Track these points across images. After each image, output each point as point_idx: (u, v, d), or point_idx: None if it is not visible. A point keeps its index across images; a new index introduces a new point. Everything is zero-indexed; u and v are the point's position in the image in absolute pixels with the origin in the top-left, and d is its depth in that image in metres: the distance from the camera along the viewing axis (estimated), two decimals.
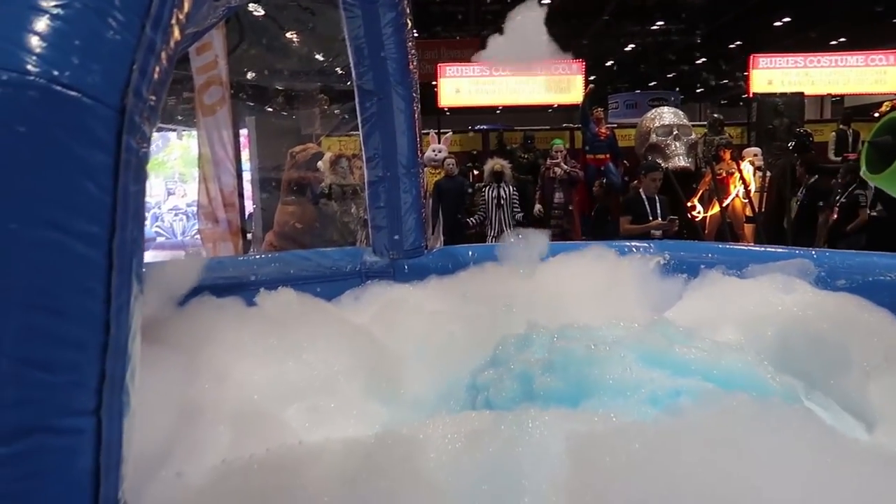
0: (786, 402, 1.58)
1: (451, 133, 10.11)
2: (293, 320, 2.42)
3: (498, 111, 16.19)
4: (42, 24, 0.87)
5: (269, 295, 2.71)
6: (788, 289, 2.63)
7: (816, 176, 6.46)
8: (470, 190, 8.13)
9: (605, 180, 8.28)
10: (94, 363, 0.88)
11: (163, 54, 1.03)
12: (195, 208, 6.85)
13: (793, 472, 1.17)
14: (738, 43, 19.60)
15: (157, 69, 1.01)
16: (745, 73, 12.91)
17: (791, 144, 7.03)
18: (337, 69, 7.01)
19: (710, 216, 7.53)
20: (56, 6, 0.89)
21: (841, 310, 2.45)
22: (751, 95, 12.12)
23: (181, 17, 1.10)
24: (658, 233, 5.20)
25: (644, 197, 5.45)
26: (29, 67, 0.84)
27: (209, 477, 1.40)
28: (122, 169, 0.91)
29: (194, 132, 6.58)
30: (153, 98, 1.00)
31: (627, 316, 2.48)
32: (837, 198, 5.89)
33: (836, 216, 5.92)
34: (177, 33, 1.09)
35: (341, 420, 1.96)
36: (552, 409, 1.65)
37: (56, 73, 0.85)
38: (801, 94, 11.20)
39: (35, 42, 0.86)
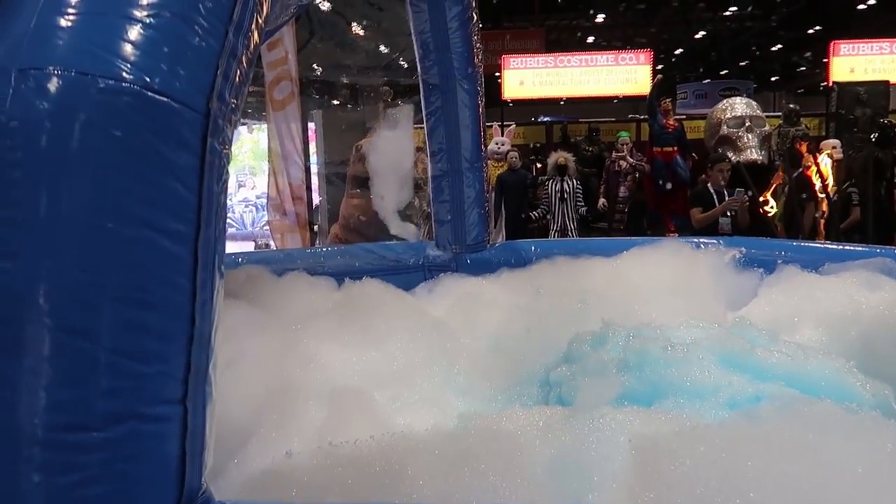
0: (874, 411, 1.52)
1: (514, 125, 10.06)
2: (377, 310, 2.50)
3: (562, 102, 15.98)
4: (134, 32, 0.92)
5: (355, 284, 2.86)
6: (873, 286, 2.52)
7: (800, 169, 6.55)
8: (531, 182, 8.07)
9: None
10: (181, 354, 0.93)
11: (244, 58, 1.07)
12: (265, 200, 7.06)
13: (872, 486, 1.13)
14: (818, 28, 18.70)
15: (239, 73, 1.05)
16: (825, 61, 12.33)
17: (874, 136, 6.69)
18: (402, 63, 7.08)
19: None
20: (147, 15, 0.94)
21: None
22: (830, 84, 11.57)
23: (261, 21, 1.14)
24: (728, 228, 5.03)
25: (712, 190, 5.29)
26: (124, 75, 0.89)
27: (317, 458, 1.45)
28: (207, 170, 0.96)
29: (264, 126, 6.78)
30: (234, 101, 1.04)
31: (703, 313, 2.43)
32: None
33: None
34: (256, 37, 1.13)
35: (421, 410, 2.00)
36: (625, 407, 1.64)
37: (148, 79, 0.90)
38: (887, 82, 10.59)
39: (128, 50, 0.91)
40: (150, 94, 0.90)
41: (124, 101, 0.88)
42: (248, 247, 9.18)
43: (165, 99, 0.91)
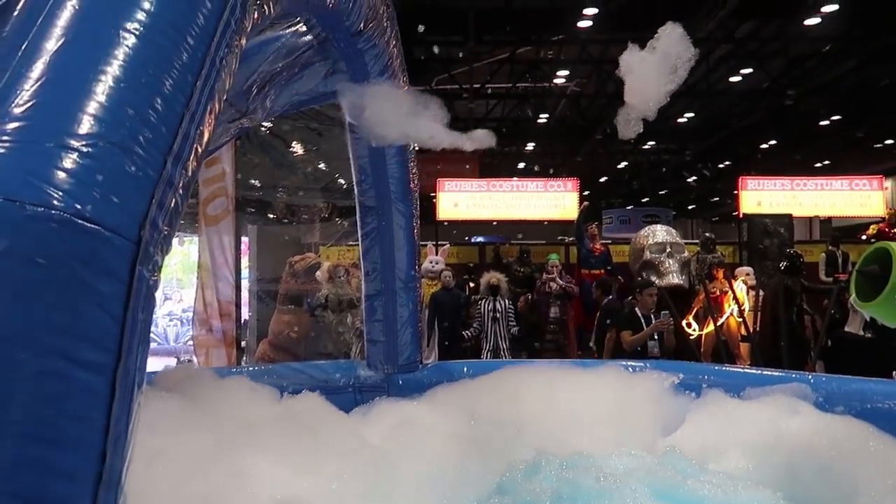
0: None
1: (448, 245, 10.29)
2: (315, 430, 2.43)
3: (494, 224, 16.55)
4: (69, 161, 0.93)
5: (296, 398, 2.85)
6: (792, 412, 2.61)
7: (610, 296, 6.94)
8: (464, 301, 8.16)
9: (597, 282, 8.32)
10: (86, 497, 0.86)
11: (180, 186, 1.08)
12: (190, 314, 6.85)
13: None
14: (727, 163, 20.38)
15: (174, 201, 1.06)
16: (735, 192, 13.34)
17: (783, 265, 7.16)
18: (341, 182, 7.25)
19: (706, 334, 7.53)
20: (83, 144, 0.95)
21: (847, 436, 2.43)
22: (741, 215, 12.46)
23: (200, 149, 1.17)
24: (656, 351, 5.18)
25: (640, 314, 5.47)
26: (54, 202, 0.88)
27: None
28: (133, 298, 0.94)
29: (195, 238, 6.70)
30: (167, 229, 1.04)
31: (637, 439, 2.45)
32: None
33: None
34: (194, 165, 1.15)
35: None
36: None
37: (79, 206, 0.90)
38: (790, 215, 11.52)
39: (61, 178, 0.91)
40: (80, 221, 0.89)
41: (51, 228, 0.87)
42: (170, 363, 8.77)
43: (96, 227, 0.90)
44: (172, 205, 1.06)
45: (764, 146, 18.70)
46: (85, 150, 0.94)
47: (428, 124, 2.69)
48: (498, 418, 2.68)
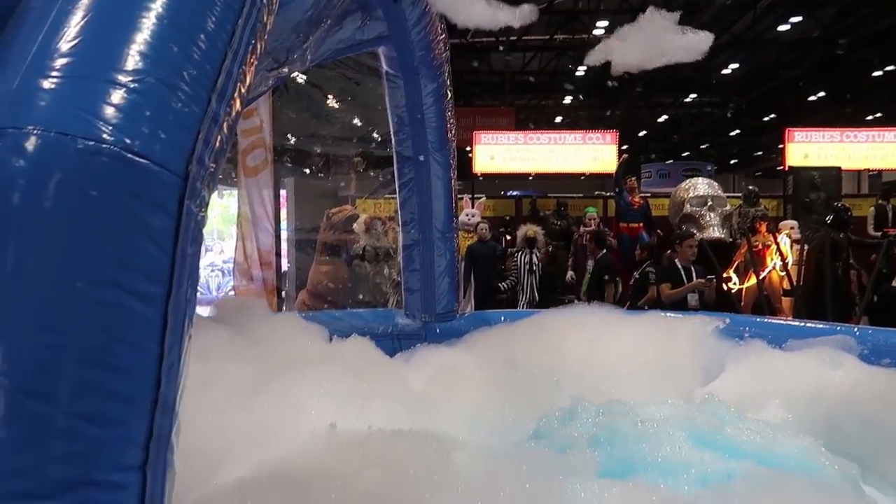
0: (842, 487, 1.53)
1: (484, 198, 10.23)
2: (363, 371, 2.48)
3: (531, 178, 16.37)
4: (117, 96, 0.93)
5: (346, 340, 2.92)
6: (835, 364, 2.57)
7: (605, 250, 7.07)
8: (500, 254, 8.15)
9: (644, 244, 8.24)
10: (143, 419, 0.90)
11: (224, 124, 1.09)
12: (231, 265, 6.99)
13: None
14: (773, 116, 19.69)
15: (219, 138, 1.07)
16: (781, 146, 12.92)
17: (829, 218, 6.95)
18: (376, 136, 7.22)
19: (747, 288, 7.40)
20: (130, 80, 0.95)
21: (891, 389, 2.39)
22: (786, 168, 12.09)
23: (243, 89, 1.17)
24: (695, 303, 5.12)
25: (680, 266, 5.40)
26: (104, 136, 0.90)
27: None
28: (182, 232, 0.96)
29: (234, 191, 6.78)
30: (213, 165, 1.05)
31: (676, 387, 2.45)
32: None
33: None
34: (238, 105, 1.16)
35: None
36: (601, 479, 1.62)
37: (128, 141, 0.91)
38: (839, 168, 11.13)
39: (110, 113, 0.92)
40: (129, 155, 0.90)
41: (103, 162, 0.89)
42: None
43: (145, 161, 0.91)
44: (217, 143, 1.07)
45: (812, 98, 17.98)
46: (132, 85, 0.95)
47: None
48: (536, 365, 2.69)
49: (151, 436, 0.91)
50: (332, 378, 2.34)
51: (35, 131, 0.86)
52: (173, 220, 0.94)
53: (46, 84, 0.91)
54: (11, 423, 0.80)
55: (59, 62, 0.94)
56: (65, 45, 0.95)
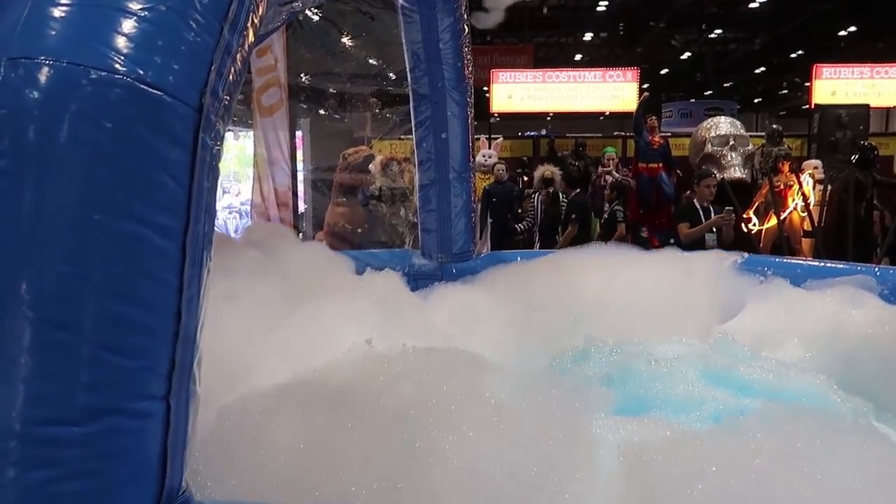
0: (854, 423, 1.54)
1: (501, 139, 10.10)
2: (395, 303, 2.48)
3: (549, 117, 16.11)
4: (128, 25, 0.91)
5: (377, 273, 2.97)
6: (856, 303, 2.55)
7: (577, 190, 7.08)
8: (517, 195, 8.10)
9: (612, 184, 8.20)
10: (165, 351, 0.92)
11: (238, 56, 1.07)
12: (248, 207, 7.01)
13: (859, 495, 1.14)
14: (800, 52, 19.05)
15: (233, 70, 1.05)
16: (807, 84, 12.55)
17: (854, 158, 6.80)
18: (390, 74, 7.10)
19: (766, 229, 7.32)
20: (141, 9, 0.93)
21: None
22: (812, 107, 11.76)
23: (256, 20, 1.14)
24: (712, 243, 5.08)
25: (698, 206, 5.34)
26: (116, 66, 0.88)
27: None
28: (198, 165, 0.95)
29: (250, 133, 6.74)
30: (227, 98, 1.04)
31: (693, 325, 2.45)
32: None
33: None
34: (251, 36, 1.13)
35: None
36: (615, 416, 1.65)
37: (141, 72, 0.89)
38: (867, 105, 10.81)
39: (122, 42, 0.90)
40: (142, 86, 0.89)
41: (116, 93, 0.87)
42: None
43: (158, 92, 0.90)
44: (231, 75, 1.05)
45: (842, 33, 17.33)
46: (143, 14, 0.93)
47: None
48: (552, 304, 2.70)
49: (174, 367, 0.93)
50: (364, 305, 2.36)
51: (47, 61, 0.85)
52: (189, 154, 0.94)
53: (57, 13, 0.89)
54: (39, 353, 0.82)
55: None
56: None
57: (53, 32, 0.88)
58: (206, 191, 0.98)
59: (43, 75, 0.86)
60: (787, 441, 1.29)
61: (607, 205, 7.81)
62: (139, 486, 0.90)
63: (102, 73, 0.87)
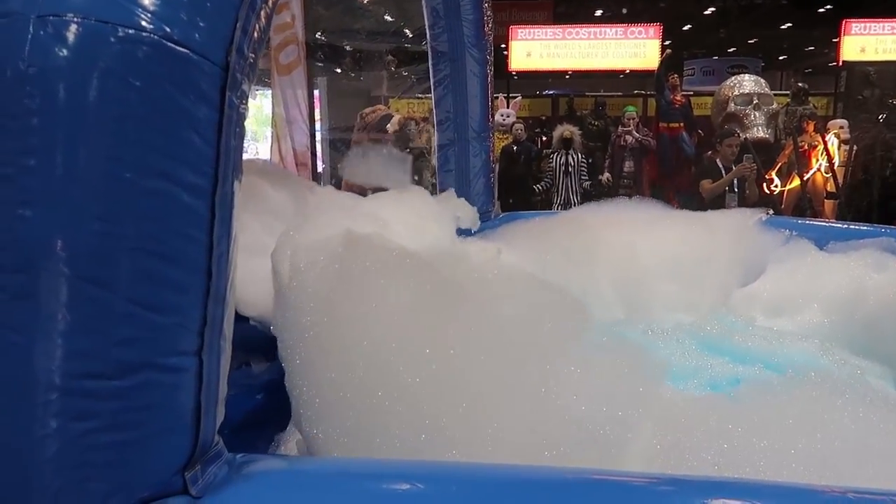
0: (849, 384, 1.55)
1: (520, 97, 9.97)
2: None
3: (568, 76, 15.82)
4: None
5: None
6: (879, 266, 2.52)
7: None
8: (535, 155, 8.03)
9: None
10: (197, 307, 0.94)
11: (262, 13, 1.06)
12: None
13: (873, 457, 1.15)
14: (828, 7, 18.43)
15: (257, 27, 1.04)
16: (835, 40, 12.17)
17: (882, 117, 6.64)
18: (408, 31, 7.00)
19: (789, 190, 7.22)
20: None
21: None
22: (840, 64, 11.45)
23: None
24: (734, 204, 5.02)
25: (720, 165, 5.27)
26: (143, 24, 0.88)
27: None
28: (225, 124, 0.95)
29: (268, 92, 6.71)
30: (252, 56, 1.03)
31: (713, 289, 2.44)
32: None
33: None
34: None
35: None
36: None
37: (167, 29, 0.89)
38: None
39: (148, 0, 0.89)
40: (169, 44, 0.89)
41: (143, 51, 0.87)
42: None
43: (185, 50, 0.90)
44: (256, 32, 1.04)
45: None
46: None
47: None
48: (568, 262, 2.68)
49: (206, 323, 0.95)
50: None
51: (75, 19, 0.85)
52: (216, 112, 0.94)
53: None
54: (76, 308, 0.84)
55: None
56: None
57: None
58: (234, 150, 0.99)
59: (71, 33, 0.85)
60: (808, 405, 1.30)
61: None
62: (174, 438, 0.92)
63: (130, 31, 0.87)
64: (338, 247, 1.54)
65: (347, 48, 8.58)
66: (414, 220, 2.16)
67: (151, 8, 0.89)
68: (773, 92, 8.71)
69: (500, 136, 8.19)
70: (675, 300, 2.59)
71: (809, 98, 8.70)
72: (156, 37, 0.88)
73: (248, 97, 1.04)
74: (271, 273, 1.63)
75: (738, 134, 5.75)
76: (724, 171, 5.21)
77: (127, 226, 0.86)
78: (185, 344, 0.93)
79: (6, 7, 0.88)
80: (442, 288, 1.59)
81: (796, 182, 6.99)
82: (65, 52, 0.85)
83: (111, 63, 0.86)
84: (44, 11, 0.86)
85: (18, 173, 0.84)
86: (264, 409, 2.21)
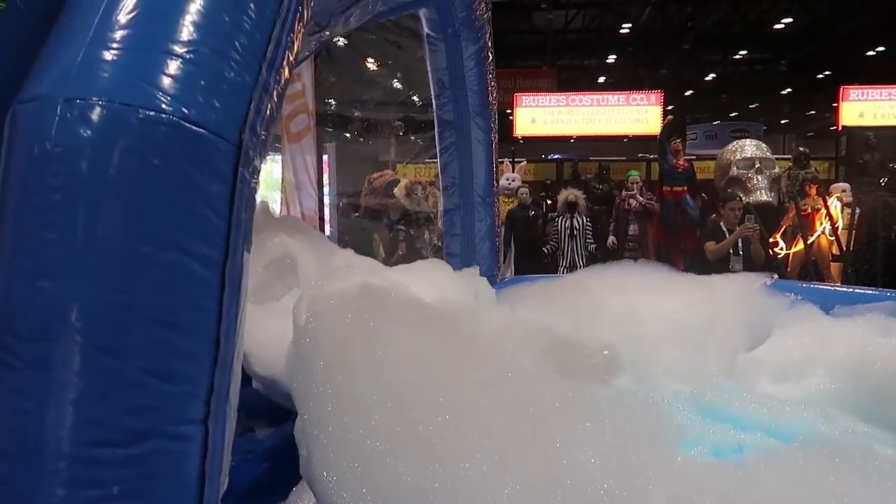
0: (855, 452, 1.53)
1: (525, 162, 10.15)
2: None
3: (572, 140, 16.13)
4: (173, 66, 0.97)
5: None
6: (885, 331, 2.51)
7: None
8: (541, 220, 8.12)
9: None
10: (205, 376, 0.96)
11: (274, 93, 1.12)
12: None
13: None
14: (827, 73, 18.89)
15: (270, 106, 1.10)
16: (835, 105, 12.42)
17: (883, 180, 6.73)
18: (416, 100, 7.21)
19: (794, 253, 7.25)
20: (186, 51, 0.99)
21: None
22: (840, 128, 11.65)
23: (291, 57, 1.19)
24: (738, 267, 5.04)
25: (724, 228, 5.32)
26: (163, 106, 0.93)
27: None
28: (237, 198, 1.00)
29: (277, 157, 6.88)
30: (264, 133, 1.09)
31: (718, 354, 2.44)
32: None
33: None
34: (287, 73, 1.18)
35: None
36: None
37: (185, 111, 0.95)
38: None
39: (167, 83, 0.95)
40: (187, 124, 0.94)
41: (162, 131, 0.93)
42: None
43: (201, 130, 0.95)
44: (268, 111, 1.10)
45: (871, 53, 17.16)
46: (187, 56, 0.98)
47: None
48: (572, 326, 2.68)
49: (212, 391, 0.97)
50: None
51: (100, 102, 0.90)
52: (229, 187, 0.98)
53: (108, 56, 0.95)
54: (89, 377, 0.86)
55: (119, 34, 0.97)
56: (123, 18, 0.99)
57: (105, 74, 0.94)
58: (244, 222, 1.03)
59: (95, 115, 0.91)
60: (817, 473, 1.30)
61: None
62: None
63: (150, 113, 0.92)
64: (354, 296, 1.57)
65: (357, 115, 8.81)
66: (432, 288, 2.19)
67: (171, 91, 0.95)
68: (776, 156, 8.84)
69: (506, 200, 8.30)
70: (679, 365, 2.57)
71: (811, 162, 8.83)
72: (174, 118, 0.93)
73: (259, 172, 1.09)
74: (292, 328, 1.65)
75: (741, 197, 5.82)
76: (727, 234, 5.26)
77: (141, 296, 0.90)
78: (193, 412, 0.94)
79: (36, 90, 0.94)
80: (458, 339, 1.61)
81: (801, 245, 7.02)
82: (89, 132, 0.90)
83: (132, 142, 0.91)
84: (71, 95, 0.92)
85: (40, 246, 0.88)
86: (268, 476, 2.19)
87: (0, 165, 0.93)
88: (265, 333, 1.62)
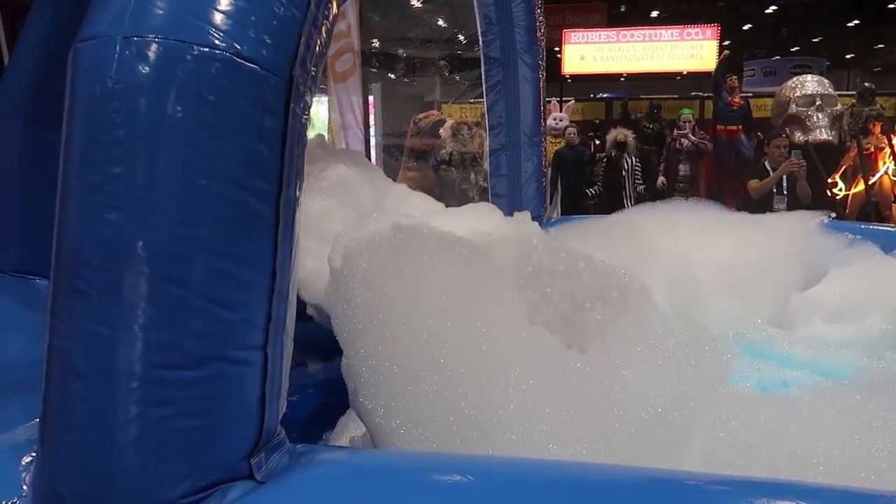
0: None
1: (573, 101, 9.92)
2: None
3: (622, 79, 15.64)
4: (224, 3, 0.98)
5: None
6: None
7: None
8: (589, 159, 7.98)
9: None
10: (262, 305, 1.00)
11: (323, 28, 1.12)
12: None
13: None
14: None
15: (319, 42, 1.11)
16: None
17: None
18: (461, 37, 7.07)
19: (853, 194, 6.97)
20: None
21: None
22: None
23: None
24: (782, 206, 4.88)
25: (769, 167, 5.15)
26: (216, 42, 0.95)
27: None
28: (289, 134, 1.02)
29: (323, 98, 6.88)
30: (314, 69, 1.10)
31: (772, 294, 2.41)
32: None
33: None
34: (335, 7, 1.18)
35: None
36: None
37: (238, 47, 0.96)
38: None
39: (220, 20, 0.97)
40: (239, 60, 0.96)
41: (216, 68, 0.95)
42: None
43: (253, 66, 0.97)
44: (318, 46, 1.11)
45: None
46: None
47: None
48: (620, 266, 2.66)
49: (270, 319, 1.02)
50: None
51: (156, 39, 0.93)
52: (281, 123, 1.01)
53: None
54: (155, 304, 0.91)
55: None
56: None
57: (160, 12, 0.96)
58: (297, 158, 1.05)
59: (152, 52, 0.93)
60: (868, 411, 1.30)
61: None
62: (241, 427, 0.99)
63: (204, 49, 0.94)
64: (386, 235, 1.61)
65: (402, 55, 8.70)
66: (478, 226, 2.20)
67: (223, 27, 0.96)
68: (839, 92, 8.42)
69: (553, 140, 8.17)
70: (731, 312, 2.55)
71: (877, 98, 8.38)
72: (227, 54, 0.95)
73: (310, 108, 1.11)
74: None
75: (786, 134, 5.60)
76: (771, 173, 5.10)
77: (201, 228, 0.94)
78: (252, 339, 0.99)
79: (95, 29, 0.97)
80: (494, 269, 1.63)
81: (861, 186, 6.75)
82: (146, 69, 0.93)
83: (187, 79, 0.93)
84: (129, 33, 0.94)
85: (107, 181, 0.92)
86: (319, 408, 2.30)
87: (65, 102, 0.97)
88: (321, 263, 1.67)
